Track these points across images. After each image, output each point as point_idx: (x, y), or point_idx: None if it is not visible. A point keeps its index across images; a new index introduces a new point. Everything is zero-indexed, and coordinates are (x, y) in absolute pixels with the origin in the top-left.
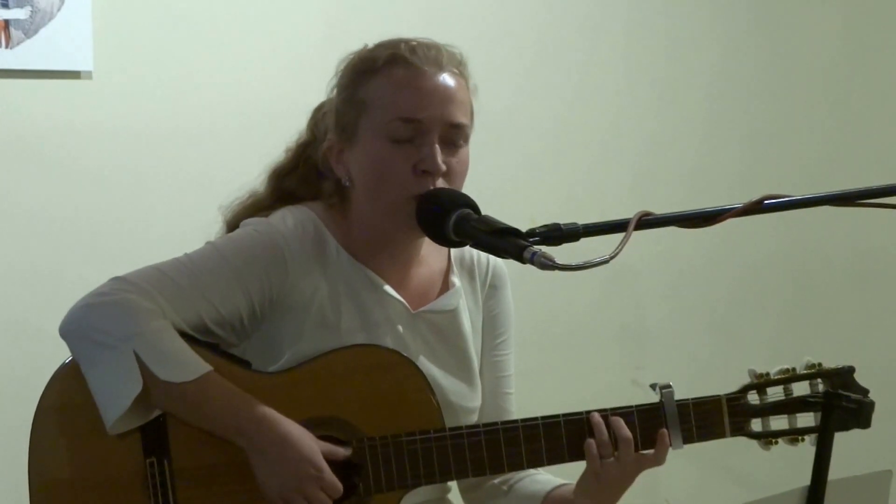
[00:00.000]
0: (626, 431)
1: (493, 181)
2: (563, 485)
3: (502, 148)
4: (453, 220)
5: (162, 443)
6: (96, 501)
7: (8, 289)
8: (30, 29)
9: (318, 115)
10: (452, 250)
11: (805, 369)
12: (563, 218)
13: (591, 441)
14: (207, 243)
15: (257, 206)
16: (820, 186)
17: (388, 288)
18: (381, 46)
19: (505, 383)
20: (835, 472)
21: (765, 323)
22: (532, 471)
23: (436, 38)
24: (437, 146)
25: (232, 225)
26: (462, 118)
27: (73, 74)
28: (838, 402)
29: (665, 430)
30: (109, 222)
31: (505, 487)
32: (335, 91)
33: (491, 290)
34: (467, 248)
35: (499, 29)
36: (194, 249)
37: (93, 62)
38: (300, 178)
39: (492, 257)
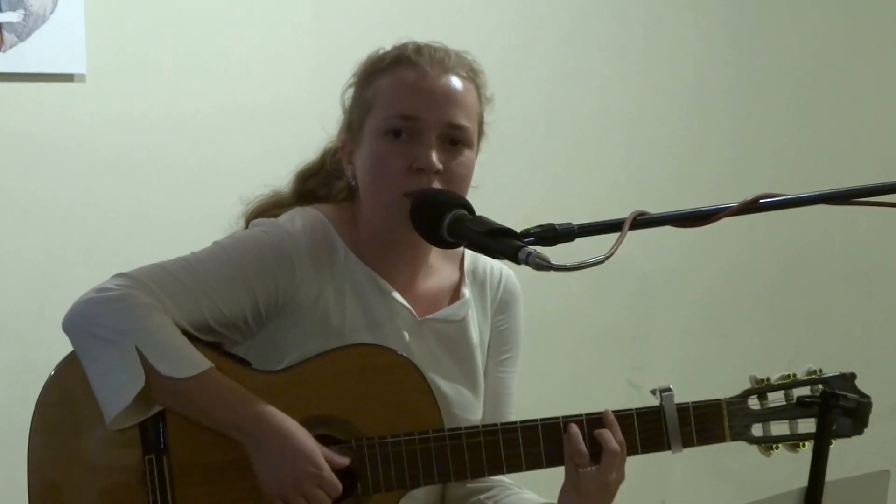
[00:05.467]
0: (613, 443)
1: (486, 182)
2: None
3: (493, 148)
4: (448, 221)
5: (161, 440)
6: (95, 498)
7: (8, 287)
8: (22, 32)
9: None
10: (465, 264)
11: (806, 376)
12: (554, 218)
13: (567, 449)
14: (214, 243)
15: (278, 205)
16: (810, 184)
17: (395, 294)
18: (392, 48)
19: (507, 402)
20: (832, 472)
21: (761, 323)
22: (517, 488)
23: (411, 35)
24: (432, 144)
25: (250, 219)
26: (463, 120)
27: (66, 77)
28: (835, 402)
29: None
30: (104, 223)
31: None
32: (350, 91)
33: (501, 305)
34: (480, 261)
35: (482, 28)
36: (200, 249)
37: (86, 65)
38: (321, 180)
39: (505, 272)
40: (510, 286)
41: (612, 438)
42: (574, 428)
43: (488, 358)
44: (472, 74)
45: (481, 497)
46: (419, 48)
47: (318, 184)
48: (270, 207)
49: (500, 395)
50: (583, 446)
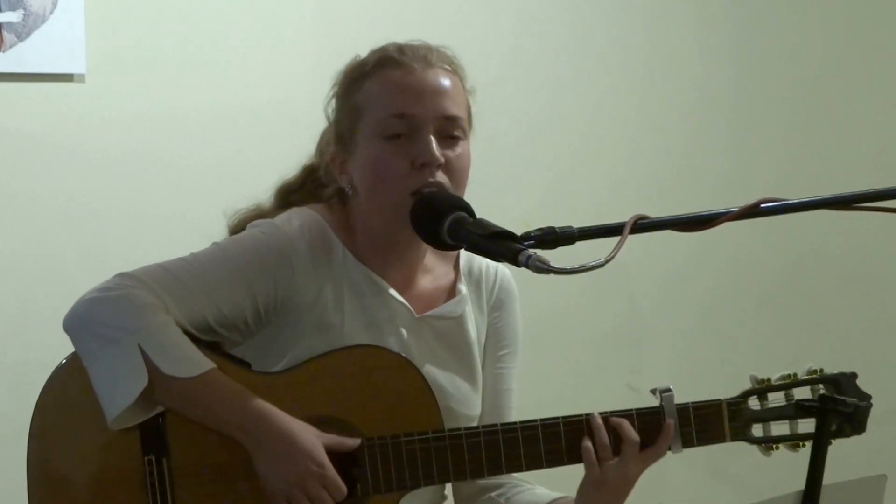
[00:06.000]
0: (633, 434)
1: (487, 184)
2: (563, 497)
3: (494, 151)
4: (448, 224)
5: (160, 441)
6: (94, 499)
7: (8, 287)
8: (22, 32)
9: (324, 137)
10: (461, 261)
11: (806, 375)
12: (555, 221)
13: (588, 445)
14: (213, 244)
15: (260, 218)
16: (811, 189)
17: (392, 292)
18: (371, 52)
19: (506, 397)
20: (830, 476)
21: (762, 327)
22: (528, 484)
23: (412, 36)
24: (432, 137)
25: (235, 231)
26: (456, 111)
27: (66, 77)
28: (833, 406)
29: (671, 422)
30: (104, 223)
31: (502, 500)
32: (333, 103)
33: (497, 303)
34: (476, 259)
35: (483, 30)
36: (200, 249)
37: (85, 65)
38: (305, 195)
39: (500, 270)
40: (505, 284)
41: (631, 429)
42: (597, 421)
43: (486, 355)
44: (454, 67)
45: (492, 495)
46: (400, 47)
47: (301, 199)
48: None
49: (500, 391)
50: (607, 439)
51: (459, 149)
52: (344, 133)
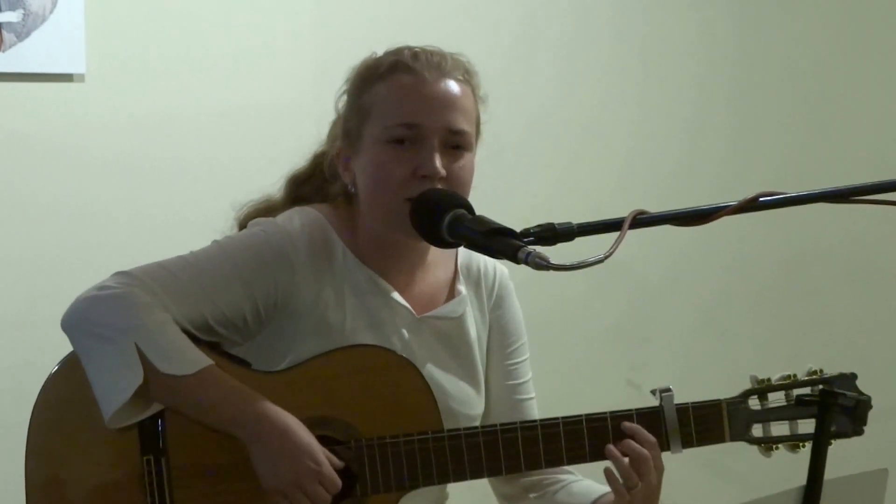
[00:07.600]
0: (643, 451)
1: (486, 182)
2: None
3: (494, 149)
4: (447, 221)
5: (159, 441)
6: (93, 499)
7: (7, 287)
8: (22, 32)
9: (334, 127)
10: (459, 260)
11: (807, 376)
12: (555, 217)
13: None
14: (213, 242)
15: (270, 210)
16: (809, 182)
17: (395, 294)
18: (386, 53)
19: (523, 389)
20: (831, 471)
21: (761, 322)
22: (563, 477)
23: (412, 37)
24: (435, 151)
25: (243, 225)
26: (463, 125)
27: (66, 77)
28: (834, 400)
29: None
30: (104, 223)
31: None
32: (344, 98)
33: (498, 301)
34: (474, 258)
35: (485, 30)
36: (200, 248)
37: (85, 65)
38: (315, 186)
39: (498, 268)
40: (504, 281)
41: (637, 446)
42: (613, 451)
43: (493, 355)
44: (468, 76)
45: (532, 496)
46: (415, 53)
47: (311, 189)
48: (263, 213)
49: (516, 385)
50: (629, 467)
51: (463, 161)
52: (351, 130)
